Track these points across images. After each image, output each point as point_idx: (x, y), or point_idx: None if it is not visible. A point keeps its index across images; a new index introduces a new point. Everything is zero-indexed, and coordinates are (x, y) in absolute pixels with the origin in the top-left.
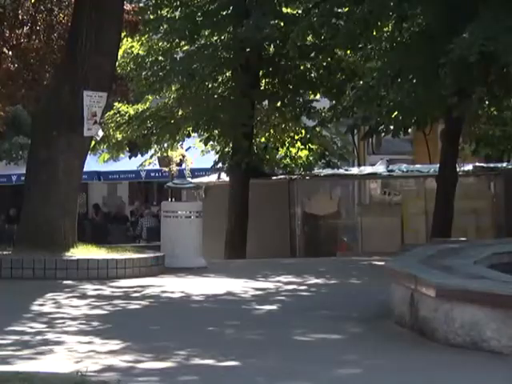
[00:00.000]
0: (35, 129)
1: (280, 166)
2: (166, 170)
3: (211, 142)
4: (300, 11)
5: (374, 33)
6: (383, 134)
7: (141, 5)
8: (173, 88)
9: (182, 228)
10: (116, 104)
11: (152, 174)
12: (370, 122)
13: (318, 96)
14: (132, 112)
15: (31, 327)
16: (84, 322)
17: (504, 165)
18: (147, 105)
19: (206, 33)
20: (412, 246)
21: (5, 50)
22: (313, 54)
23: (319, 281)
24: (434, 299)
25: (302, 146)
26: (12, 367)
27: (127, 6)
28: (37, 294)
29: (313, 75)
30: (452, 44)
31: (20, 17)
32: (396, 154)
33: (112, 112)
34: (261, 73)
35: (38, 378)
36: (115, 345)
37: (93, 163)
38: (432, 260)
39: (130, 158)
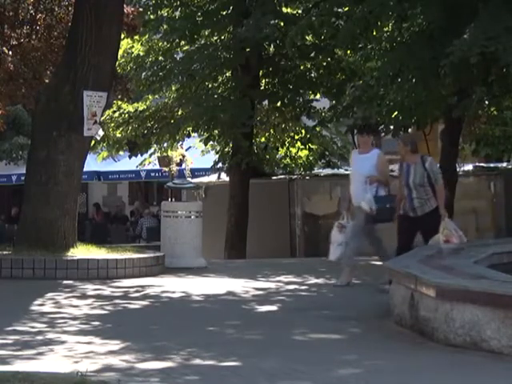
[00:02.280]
0: (35, 129)
1: (280, 166)
2: (166, 169)
3: (211, 142)
4: (300, 11)
5: (374, 33)
6: (383, 134)
7: (140, 9)
8: (173, 88)
9: (181, 228)
10: (116, 102)
11: (152, 174)
12: (370, 121)
13: (318, 96)
14: (132, 110)
15: (31, 327)
16: (84, 321)
17: (504, 165)
18: (147, 103)
19: (206, 33)
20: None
21: (5, 49)
22: (313, 54)
23: (319, 281)
24: (434, 299)
25: (302, 146)
26: (12, 367)
27: (126, 10)
28: (37, 293)
29: (313, 75)
30: (452, 45)
31: (20, 16)
32: (396, 154)
33: (111, 110)
34: (261, 73)
35: (38, 378)
36: (115, 345)
37: (93, 163)
38: (432, 260)
39: (129, 157)
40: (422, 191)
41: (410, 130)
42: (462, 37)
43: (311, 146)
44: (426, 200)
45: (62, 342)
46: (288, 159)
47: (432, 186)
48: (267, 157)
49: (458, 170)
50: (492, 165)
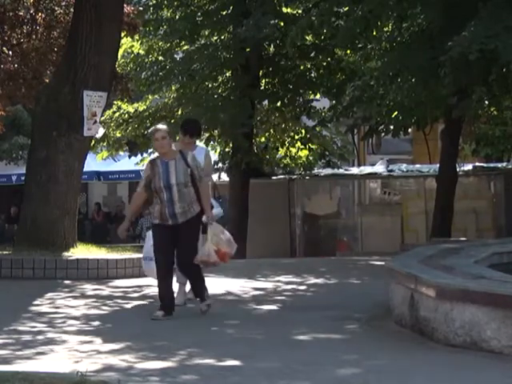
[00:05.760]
0: (35, 129)
1: (280, 166)
2: None
3: (211, 142)
4: (300, 11)
5: (374, 33)
6: (383, 134)
7: (140, 8)
8: (173, 88)
9: None
10: (116, 102)
11: None
12: (370, 121)
13: (318, 96)
14: (132, 110)
15: (31, 327)
16: (84, 321)
17: (504, 165)
18: (147, 103)
19: (206, 33)
20: (412, 246)
21: (5, 49)
22: (313, 54)
23: (319, 281)
24: (434, 299)
25: (302, 146)
26: (12, 367)
27: (126, 9)
28: (37, 293)
29: (313, 75)
30: (452, 41)
31: (20, 17)
32: (396, 153)
33: (111, 111)
34: (261, 73)
35: (38, 378)
36: (115, 344)
37: (93, 163)
38: (432, 260)
39: (129, 157)
40: (186, 193)
41: (409, 129)
42: (462, 34)
43: (311, 146)
44: (190, 204)
45: (62, 342)
46: (288, 159)
47: (195, 185)
48: (267, 157)
49: (458, 169)
50: (492, 165)
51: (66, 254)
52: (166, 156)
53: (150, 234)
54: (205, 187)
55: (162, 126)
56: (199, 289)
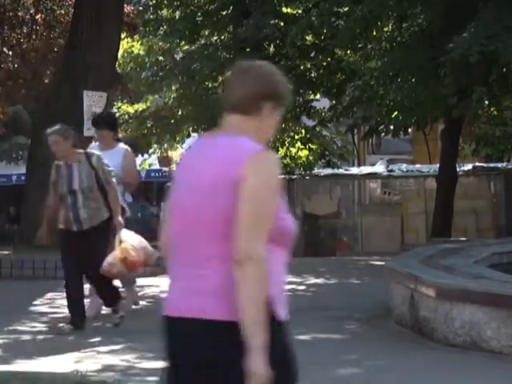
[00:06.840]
0: (35, 129)
1: (280, 166)
2: (166, 169)
3: None
4: (300, 11)
5: (374, 33)
6: (383, 134)
7: (140, 8)
8: (173, 88)
9: None
10: (116, 102)
11: (152, 174)
12: (370, 121)
13: (318, 96)
14: (132, 111)
15: (31, 327)
16: None
17: (504, 165)
18: (147, 103)
19: (206, 33)
20: (412, 246)
21: (5, 49)
22: (313, 54)
23: (319, 281)
24: (434, 299)
25: (302, 146)
26: (12, 367)
27: (126, 9)
28: (37, 293)
29: (313, 75)
30: (452, 43)
31: (20, 17)
32: (396, 153)
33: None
34: None
35: (38, 378)
36: (115, 344)
37: None
38: (432, 260)
39: None
40: (92, 197)
41: (409, 129)
42: (462, 35)
43: (311, 146)
44: (96, 209)
45: (62, 342)
46: (288, 159)
47: (103, 189)
48: None
49: (458, 169)
50: (492, 165)
51: None
52: (68, 159)
53: None
54: (112, 189)
55: (53, 130)
56: (109, 300)
